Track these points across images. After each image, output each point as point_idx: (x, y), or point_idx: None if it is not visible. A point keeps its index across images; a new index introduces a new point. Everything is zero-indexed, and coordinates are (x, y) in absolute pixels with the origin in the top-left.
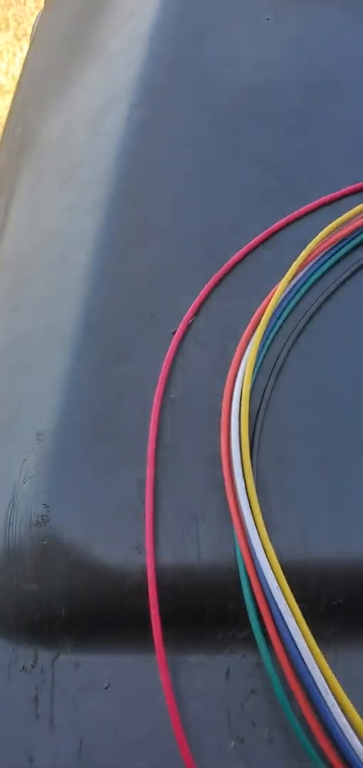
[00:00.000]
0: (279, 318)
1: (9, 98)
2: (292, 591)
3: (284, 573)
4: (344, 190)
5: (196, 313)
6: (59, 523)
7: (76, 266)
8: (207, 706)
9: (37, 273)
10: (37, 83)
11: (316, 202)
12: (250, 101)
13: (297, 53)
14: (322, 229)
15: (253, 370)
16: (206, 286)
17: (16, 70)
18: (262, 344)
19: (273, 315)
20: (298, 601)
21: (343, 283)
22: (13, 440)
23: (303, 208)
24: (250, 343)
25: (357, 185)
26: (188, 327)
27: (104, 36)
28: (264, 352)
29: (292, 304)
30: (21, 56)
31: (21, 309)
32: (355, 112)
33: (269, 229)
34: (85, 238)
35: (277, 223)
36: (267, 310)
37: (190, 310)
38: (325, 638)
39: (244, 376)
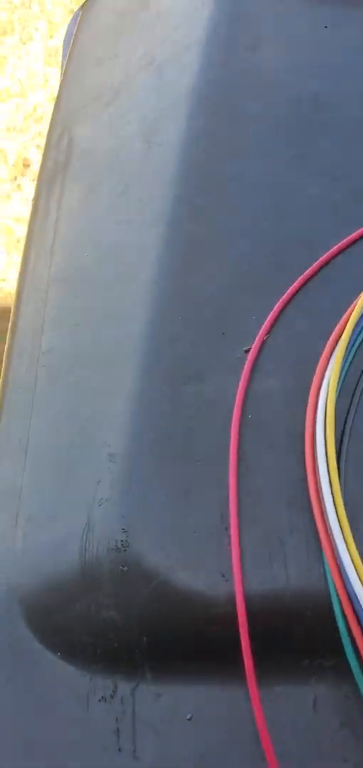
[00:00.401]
0: (360, 334)
1: (15, 102)
2: None
3: None
4: None
5: (271, 329)
6: (139, 548)
7: (138, 283)
8: (294, 739)
9: (98, 288)
10: (81, 93)
11: None
12: (312, 111)
13: (357, 61)
14: None
15: (336, 389)
16: (280, 301)
17: (22, 73)
18: (344, 361)
19: (354, 330)
20: None
21: None
22: (83, 461)
23: None
24: (332, 361)
25: None
26: (263, 344)
27: (153, 43)
28: (346, 368)
29: None
30: (27, 60)
31: (82, 325)
32: None
33: (343, 241)
34: (147, 252)
35: (351, 236)
36: (348, 325)
37: (264, 326)
38: None
39: (327, 397)
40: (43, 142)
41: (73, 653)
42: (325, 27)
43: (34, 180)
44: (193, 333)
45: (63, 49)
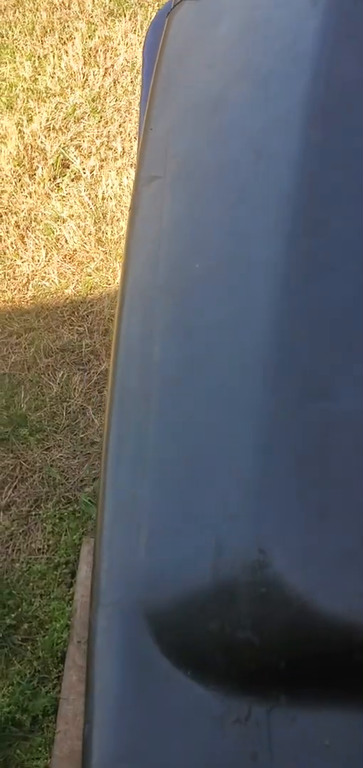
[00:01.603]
0: None
1: (55, 101)
2: None
3: None
4: None
5: None
6: (279, 569)
7: (258, 293)
8: None
9: (210, 299)
10: (179, 104)
11: None
12: None
13: None
14: None
15: None
16: None
17: (62, 73)
18: None
19: None
20: None
21: None
22: (209, 475)
23: None
24: None
25: None
26: None
27: (256, 55)
28: None
29: None
30: (66, 60)
31: (196, 336)
32: None
33: None
34: (264, 264)
35: None
36: None
37: None
38: None
39: None
40: (82, 142)
41: (204, 673)
42: None
43: (73, 180)
44: (318, 348)
45: (144, 57)
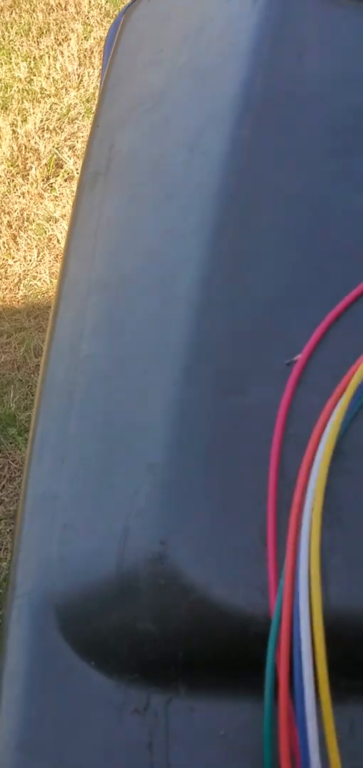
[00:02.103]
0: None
1: (50, 102)
2: None
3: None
4: None
5: (317, 344)
6: (178, 561)
7: (181, 291)
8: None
9: (140, 296)
10: (123, 98)
11: None
12: (359, 122)
13: None
14: None
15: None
16: (328, 316)
17: (57, 74)
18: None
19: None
20: None
21: None
22: (121, 469)
23: None
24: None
25: None
26: (308, 359)
27: (197, 51)
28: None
29: None
30: (62, 61)
31: (122, 332)
32: None
33: None
34: (189, 262)
35: None
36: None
37: (310, 341)
38: None
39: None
40: (76, 143)
41: (107, 663)
42: None
43: (66, 180)
44: (235, 345)
45: (104, 55)
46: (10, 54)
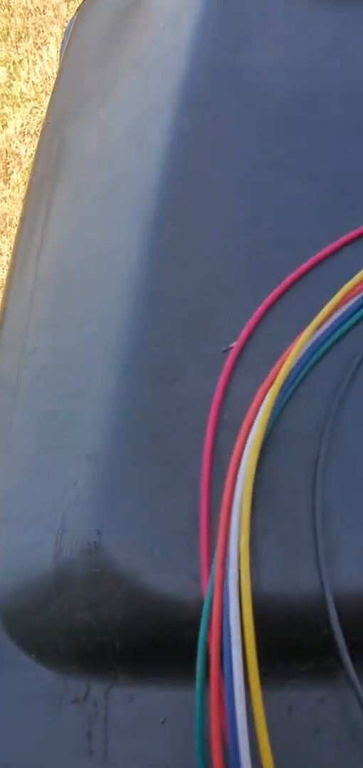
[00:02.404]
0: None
1: (30, 106)
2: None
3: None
4: None
5: (252, 331)
6: (112, 550)
7: (120, 283)
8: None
9: (81, 289)
10: (73, 94)
11: None
12: (296, 110)
13: (344, 59)
14: None
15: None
16: (262, 304)
17: (36, 78)
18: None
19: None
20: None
21: None
22: (61, 461)
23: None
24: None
25: None
26: (242, 347)
27: (142, 45)
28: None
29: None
30: (41, 65)
31: (64, 325)
32: None
33: (326, 248)
34: (128, 254)
35: (333, 243)
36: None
37: (245, 328)
38: None
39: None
40: None
41: (47, 655)
42: (315, 24)
43: None
44: (171, 333)
45: (60, 53)
46: None
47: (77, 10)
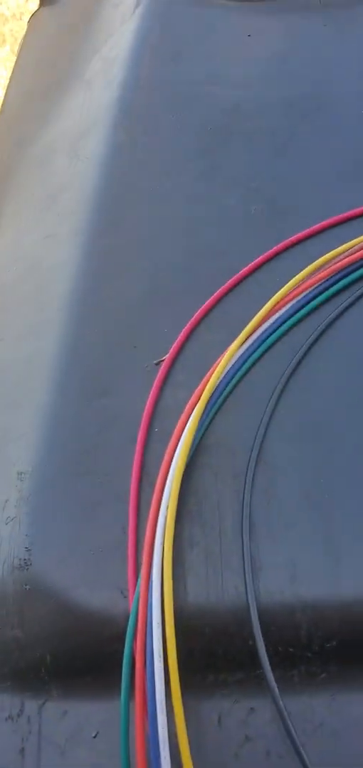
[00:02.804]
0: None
1: None
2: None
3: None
4: (324, 223)
5: (182, 345)
6: (41, 566)
7: (55, 296)
8: (199, 754)
9: (18, 303)
10: (20, 106)
11: (297, 236)
12: (231, 121)
13: (279, 70)
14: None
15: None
16: (193, 317)
17: None
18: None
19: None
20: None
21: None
22: None
23: (283, 243)
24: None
25: (340, 216)
26: (173, 359)
27: (84, 58)
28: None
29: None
30: None
31: (2, 340)
32: (339, 129)
33: (255, 261)
34: (64, 266)
35: (264, 254)
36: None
37: (177, 341)
38: (320, 682)
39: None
40: None
41: None
42: (249, 36)
43: None
44: (104, 347)
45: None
46: None
47: (28, 22)
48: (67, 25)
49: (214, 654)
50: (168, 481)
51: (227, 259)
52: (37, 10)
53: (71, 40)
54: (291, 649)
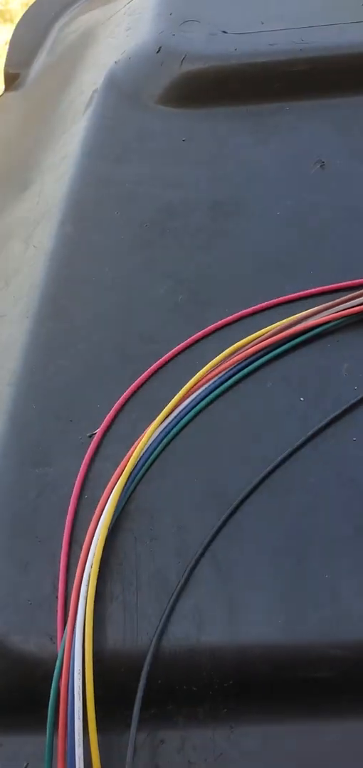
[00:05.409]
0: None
1: None
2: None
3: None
4: (240, 313)
5: (112, 421)
6: None
7: (5, 372)
8: None
9: None
10: None
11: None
12: (163, 218)
13: (207, 172)
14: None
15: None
16: (124, 394)
17: None
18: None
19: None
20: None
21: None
22: None
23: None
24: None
25: (253, 308)
26: (104, 432)
27: (43, 147)
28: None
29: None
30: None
31: None
32: (256, 228)
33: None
34: (13, 346)
35: (190, 338)
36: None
37: (108, 416)
38: (221, 717)
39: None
40: None
41: None
42: (183, 140)
43: None
44: (44, 420)
45: None
46: None
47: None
48: (30, 112)
49: (130, 693)
50: (92, 544)
51: (155, 343)
52: (2, 94)
53: (32, 128)
54: (194, 689)
